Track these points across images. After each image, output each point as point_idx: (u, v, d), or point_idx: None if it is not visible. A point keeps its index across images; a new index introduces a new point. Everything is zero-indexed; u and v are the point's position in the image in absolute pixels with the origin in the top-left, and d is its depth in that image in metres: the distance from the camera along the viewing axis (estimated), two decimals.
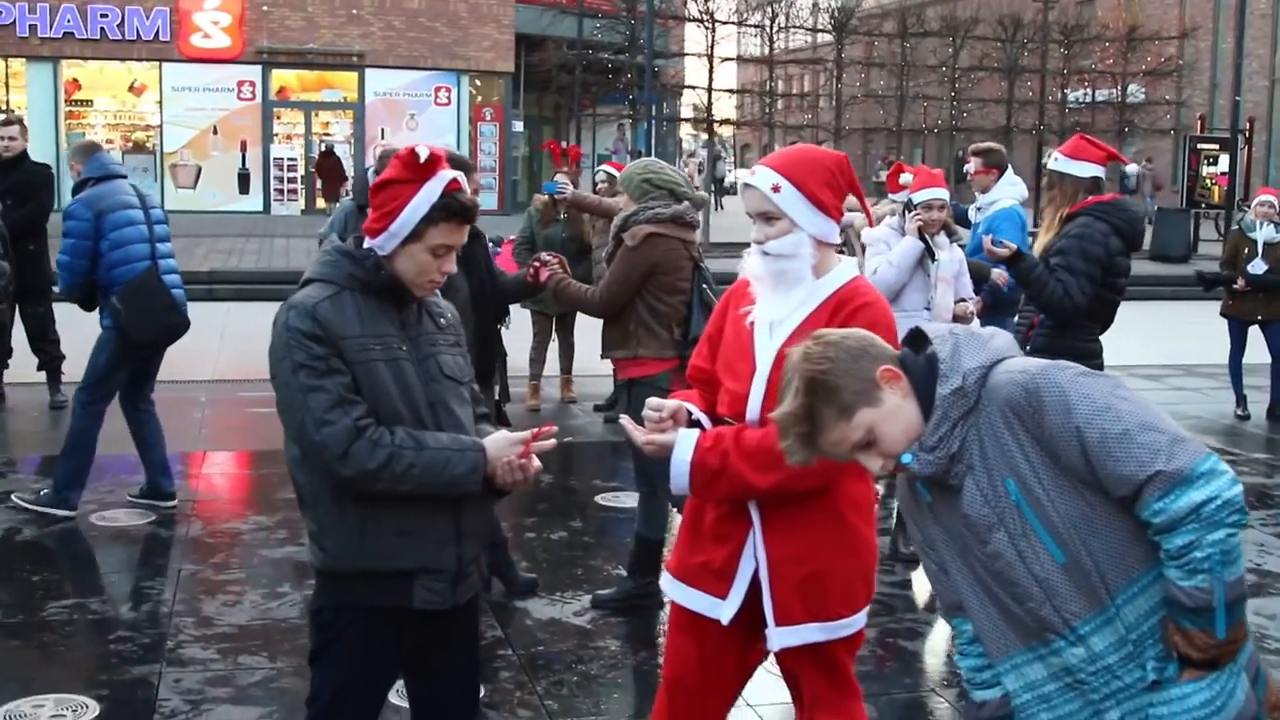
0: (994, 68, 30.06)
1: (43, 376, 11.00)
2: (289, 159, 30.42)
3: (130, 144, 30.24)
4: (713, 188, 32.84)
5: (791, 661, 3.71)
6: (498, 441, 3.37)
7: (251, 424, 10.47)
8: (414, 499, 3.30)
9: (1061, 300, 6.02)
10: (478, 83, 32.27)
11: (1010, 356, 2.80)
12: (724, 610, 3.64)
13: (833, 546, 3.61)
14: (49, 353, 10.94)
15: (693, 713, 3.78)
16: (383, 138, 31.47)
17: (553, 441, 3.42)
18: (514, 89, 32.79)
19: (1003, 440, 2.69)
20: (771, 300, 3.63)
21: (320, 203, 30.70)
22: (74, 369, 9.11)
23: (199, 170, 30.23)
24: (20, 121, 11.11)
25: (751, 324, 3.65)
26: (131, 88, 30.47)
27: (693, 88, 29.20)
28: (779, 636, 3.59)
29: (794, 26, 29.39)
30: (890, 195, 9.27)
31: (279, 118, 31.21)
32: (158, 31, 29.19)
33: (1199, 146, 27.00)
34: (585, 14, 28.19)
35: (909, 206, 7.23)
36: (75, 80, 29.97)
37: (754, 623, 3.67)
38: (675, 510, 4.59)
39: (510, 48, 31.61)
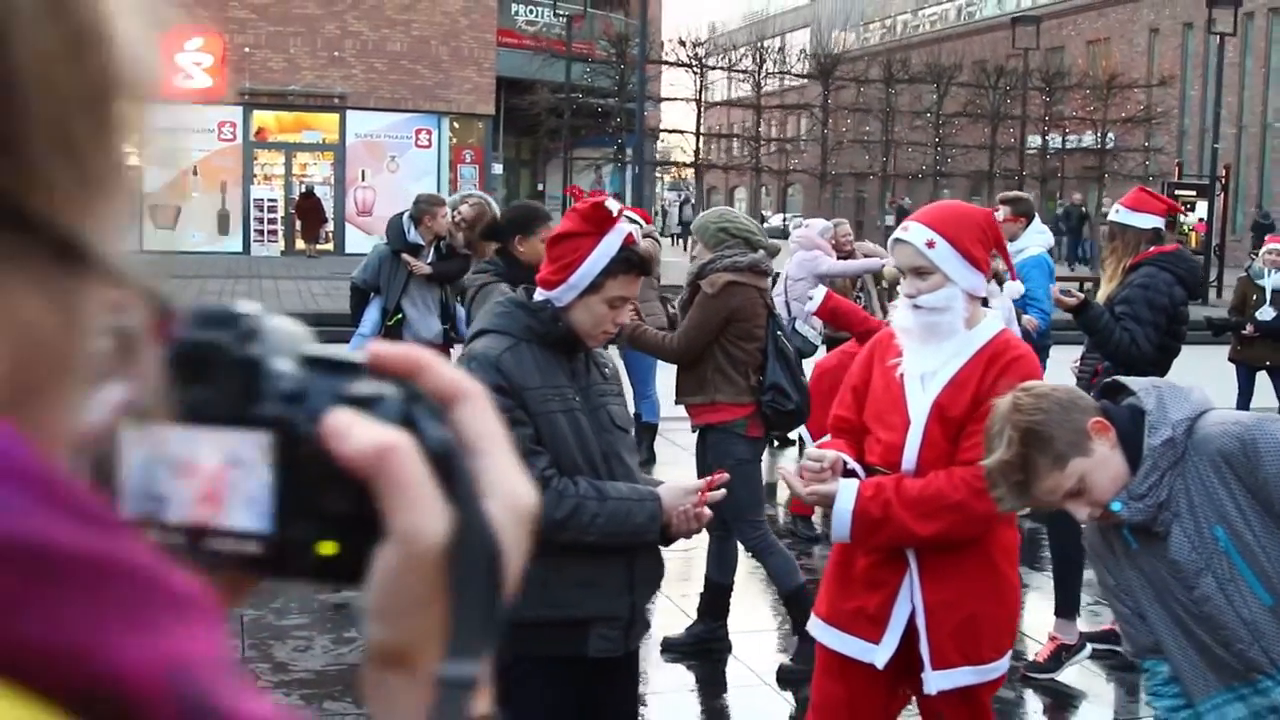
0: (977, 114, 30.50)
1: None
2: (269, 200, 30.37)
3: None
4: (677, 230, 33.07)
5: (940, 704, 3.77)
6: (673, 490, 3.43)
7: None
8: (593, 549, 3.35)
9: (1129, 348, 6.13)
10: (456, 125, 32.37)
11: (1212, 409, 2.90)
12: (878, 655, 3.71)
13: (985, 592, 3.70)
14: None
15: None
16: (363, 179, 31.52)
17: (723, 491, 3.48)
18: (494, 131, 32.90)
19: (1212, 489, 2.78)
20: (921, 353, 3.70)
21: (299, 244, 30.64)
22: None
23: (178, 210, 30.13)
24: None
25: (901, 376, 3.73)
26: None
27: (682, 132, 29.45)
28: (935, 680, 3.66)
29: (781, 72, 29.70)
30: None
31: (258, 159, 31.18)
32: None
33: (1176, 194, 27.38)
34: (575, 59, 28.39)
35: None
36: None
37: (901, 667, 3.74)
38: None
39: (491, 91, 31.74)
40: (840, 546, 3.82)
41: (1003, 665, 3.78)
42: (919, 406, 3.66)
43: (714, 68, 28.37)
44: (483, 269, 6.20)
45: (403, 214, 9.88)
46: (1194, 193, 27.60)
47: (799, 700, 6.03)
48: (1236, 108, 40.56)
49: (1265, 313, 11.51)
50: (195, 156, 29.93)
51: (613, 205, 3.40)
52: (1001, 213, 8.98)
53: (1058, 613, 6.24)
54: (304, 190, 30.53)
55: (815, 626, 3.87)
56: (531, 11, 33.26)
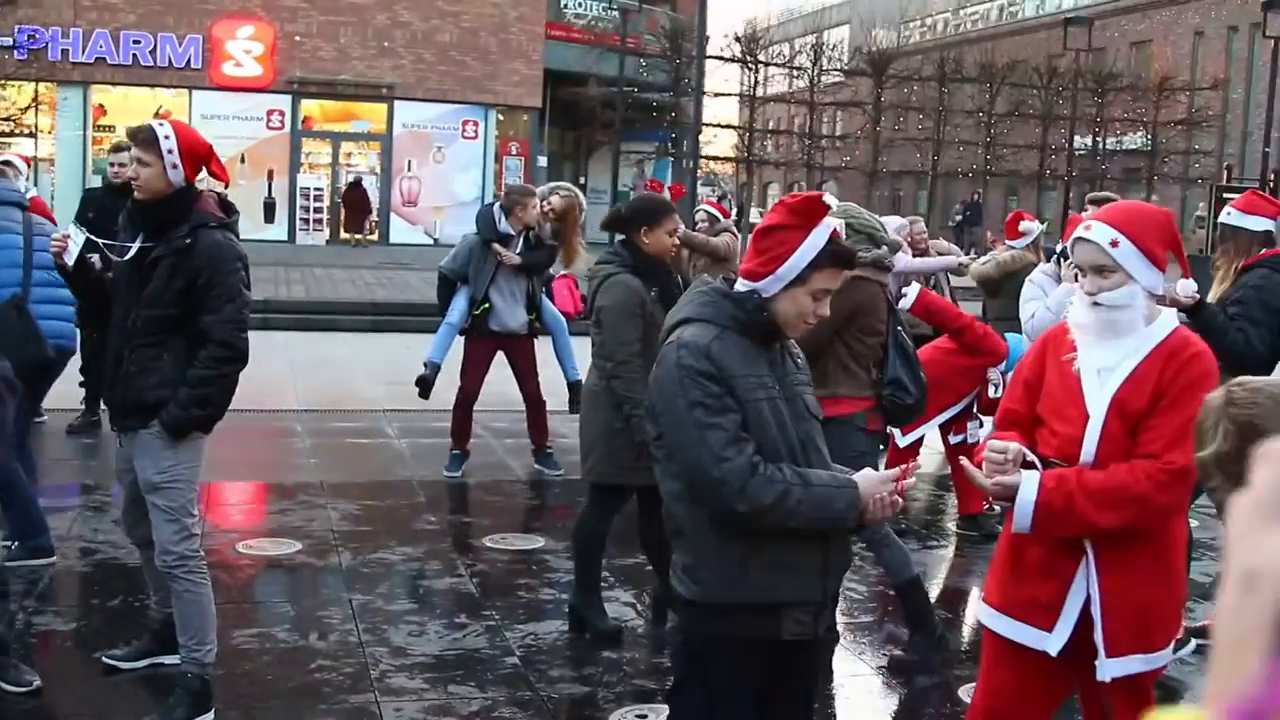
0: (1029, 114, 30.50)
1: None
2: (315, 189, 30.55)
3: None
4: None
5: (1108, 691, 3.85)
6: (869, 478, 3.52)
7: (353, 454, 10.58)
8: (791, 534, 3.45)
9: (1244, 349, 6.20)
10: (502, 118, 32.51)
11: None
12: (1051, 642, 3.79)
13: (1156, 582, 3.78)
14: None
15: None
16: (409, 170, 31.67)
17: (914, 480, 3.58)
18: (540, 124, 33.02)
19: None
20: (1098, 348, 3.78)
21: (344, 233, 30.81)
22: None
23: None
24: (128, 148, 11.16)
25: (1077, 371, 3.81)
26: (156, 114, 30.56)
27: (733, 127, 29.52)
28: (1109, 667, 3.74)
29: (834, 69, 29.75)
30: (1009, 242, 9.50)
31: (305, 147, 31.37)
32: (189, 59, 29.35)
33: (1224, 196, 27.37)
34: (629, 53, 28.47)
35: (1063, 255, 7.42)
36: (101, 106, 30.07)
37: (1068, 655, 3.82)
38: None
39: (539, 83, 31.87)
40: (1010, 537, 3.90)
41: (1169, 654, 3.87)
42: (1098, 401, 3.74)
43: (769, 63, 28.43)
44: (607, 259, 6.29)
45: (493, 204, 10.00)
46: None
47: (911, 690, 6.13)
48: (1268, 110, 40.46)
49: None
50: (243, 144, 30.13)
51: (831, 200, 3.49)
52: (1089, 212, 9.08)
53: None
54: (351, 180, 30.70)
55: (987, 615, 3.95)
56: (580, 5, 33.36)
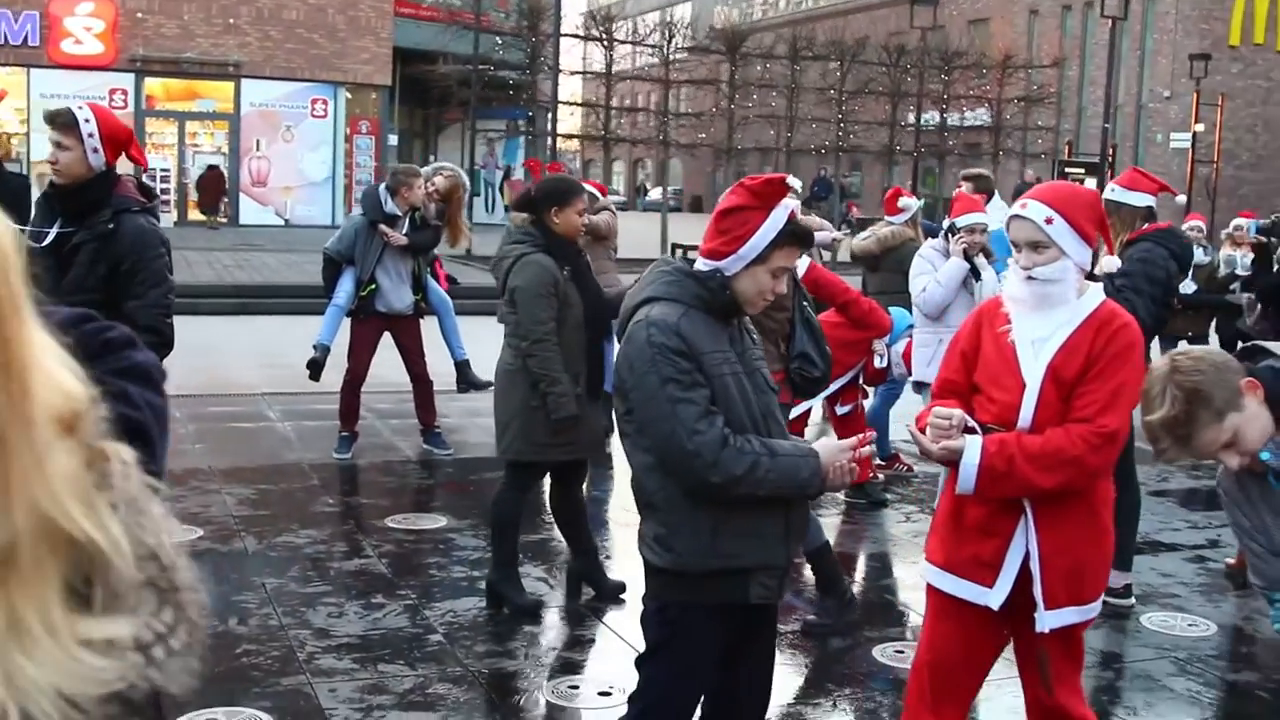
0: (878, 91, 31.15)
1: None
2: (161, 170, 29.85)
3: None
4: None
5: (1044, 641, 4.08)
6: (829, 447, 3.69)
7: (239, 438, 10.49)
8: (755, 502, 3.60)
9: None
10: (352, 96, 32.13)
11: None
12: (993, 597, 4.00)
13: (1088, 539, 4.02)
14: None
15: (952, 691, 4.14)
16: (258, 149, 31.15)
17: (873, 447, 3.76)
18: (390, 102, 32.72)
19: None
20: (1032, 320, 4.00)
21: (193, 214, 30.20)
22: None
23: None
24: None
25: (1012, 341, 4.02)
26: None
27: (592, 105, 29.61)
28: (1047, 619, 3.97)
29: (690, 48, 30.01)
30: (888, 218, 9.79)
31: (150, 128, 30.63)
32: (26, 36, 28.44)
33: (1067, 170, 28.37)
34: (485, 31, 28.36)
35: (952, 230, 7.71)
36: None
37: (1008, 609, 4.05)
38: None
39: (388, 61, 31.57)
40: (951, 500, 4.10)
41: (1098, 605, 4.13)
42: (1033, 369, 3.95)
43: (624, 41, 28.58)
44: (519, 239, 6.37)
45: (378, 185, 9.99)
46: (1083, 170, 28.60)
47: (826, 651, 6.34)
48: (1107, 88, 42.00)
49: (1187, 286, 12.11)
50: None
51: (794, 181, 3.64)
52: (964, 188, 9.40)
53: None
54: (211, 165, 30.16)
55: (931, 573, 4.14)
56: None
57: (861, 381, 8.88)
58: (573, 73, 30.56)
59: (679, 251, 25.31)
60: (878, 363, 8.64)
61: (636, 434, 3.64)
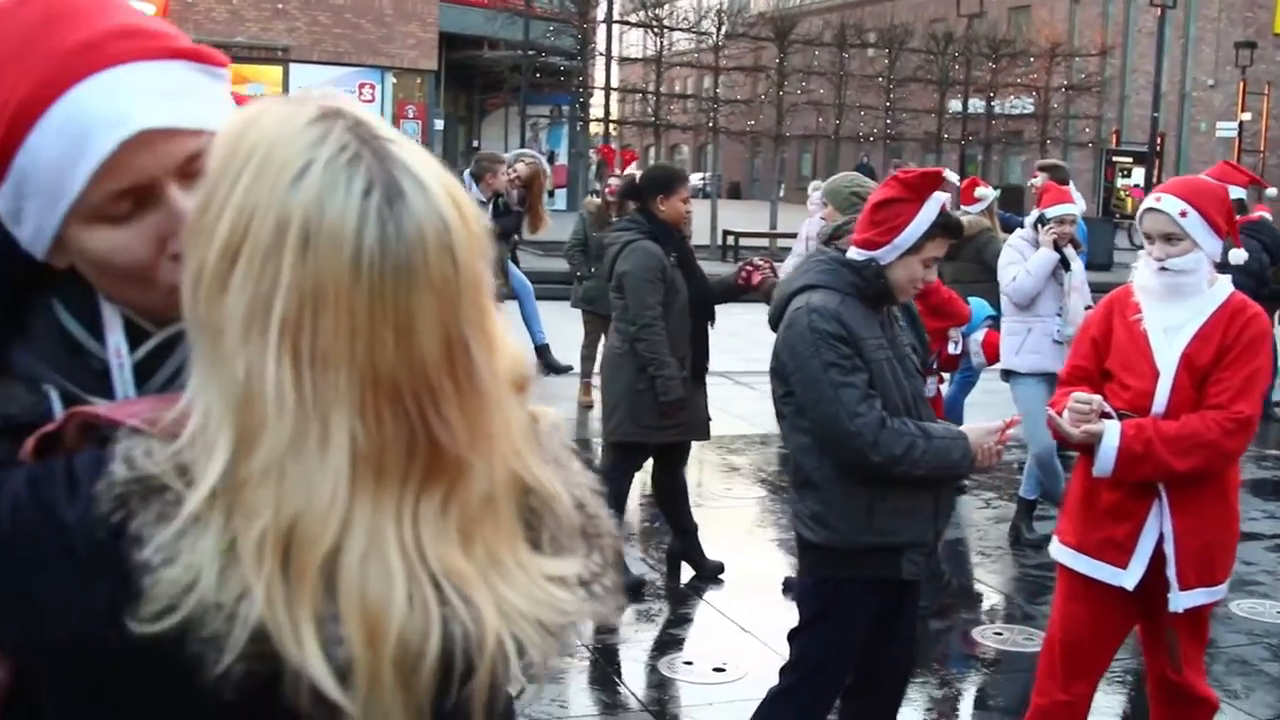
0: (927, 79, 31.15)
1: None
2: None
3: None
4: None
5: (1174, 621, 4.22)
6: (977, 430, 3.84)
7: None
8: (911, 481, 3.75)
9: None
10: (396, 81, 32.32)
11: None
12: (1127, 578, 4.14)
13: (1218, 522, 4.16)
14: None
15: (1082, 668, 4.29)
16: None
17: (1017, 430, 3.90)
18: (436, 87, 32.89)
19: None
20: (1163, 309, 4.13)
21: None
22: None
23: None
24: None
25: (1145, 330, 4.15)
26: None
27: (642, 92, 29.74)
28: (1181, 599, 4.11)
29: (739, 35, 30.08)
30: (964, 208, 9.89)
31: None
32: None
33: (1114, 160, 28.37)
34: (534, 17, 28.49)
35: (1042, 220, 7.82)
36: None
37: (1139, 590, 4.19)
38: None
39: (434, 46, 31.71)
40: (1082, 483, 4.25)
41: (1225, 587, 4.26)
42: (1167, 357, 4.09)
43: (674, 28, 28.67)
44: (626, 226, 6.52)
45: (462, 172, 10.15)
46: (1131, 159, 28.59)
47: (925, 633, 6.47)
48: (1153, 76, 41.85)
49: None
50: None
51: (950, 175, 3.79)
52: (1040, 179, 9.51)
53: None
54: None
55: (1064, 554, 4.28)
56: None
57: (935, 366, 8.99)
58: (623, 60, 30.65)
59: (727, 239, 25.38)
60: (951, 349, 8.75)
61: (795, 415, 3.80)
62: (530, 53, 28.17)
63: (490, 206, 9.81)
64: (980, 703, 5.78)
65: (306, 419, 1.18)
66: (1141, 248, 4.33)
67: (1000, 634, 6.37)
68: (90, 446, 1.28)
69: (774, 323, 4.01)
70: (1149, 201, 4.18)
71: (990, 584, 7.24)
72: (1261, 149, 37.71)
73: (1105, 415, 4.10)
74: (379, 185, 1.20)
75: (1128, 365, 4.18)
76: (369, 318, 1.18)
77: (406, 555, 1.20)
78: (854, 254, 3.88)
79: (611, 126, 32.93)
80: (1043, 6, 44.91)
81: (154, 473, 1.20)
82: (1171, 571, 4.10)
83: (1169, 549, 4.10)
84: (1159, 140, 29.43)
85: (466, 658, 1.21)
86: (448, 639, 1.20)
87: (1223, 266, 4.30)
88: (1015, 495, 8.24)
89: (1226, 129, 37.85)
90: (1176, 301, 4.12)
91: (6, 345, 1.43)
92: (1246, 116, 36.81)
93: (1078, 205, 8.98)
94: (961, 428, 3.87)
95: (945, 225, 3.82)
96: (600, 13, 28.09)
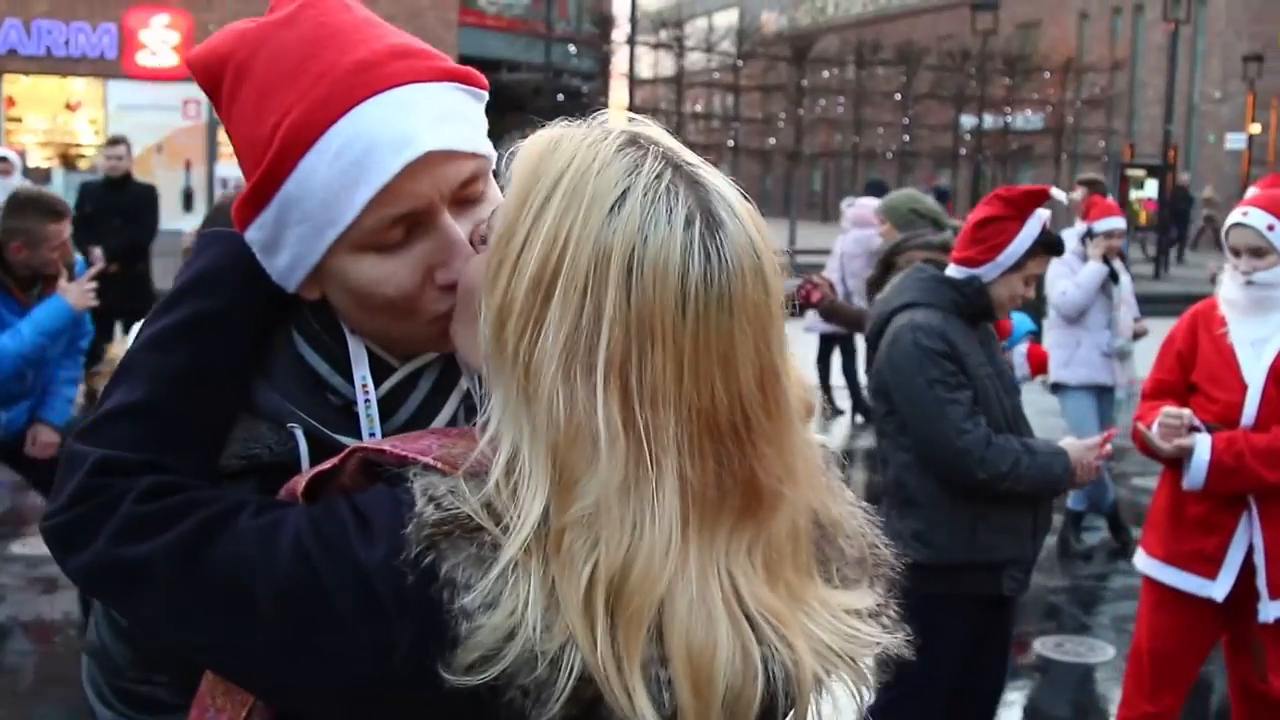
0: (942, 96, 31.32)
1: None
2: (236, 178, 30.24)
3: (64, 160, 29.89)
4: None
5: (1261, 632, 4.27)
6: (1076, 446, 3.91)
7: None
8: (1008, 498, 3.81)
9: None
10: None
11: None
12: (1216, 589, 4.20)
13: None
14: None
15: (1170, 679, 4.35)
16: None
17: (1113, 447, 3.97)
18: None
19: None
20: (1250, 322, 4.19)
21: None
22: None
23: None
24: (125, 140, 11.23)
25: (1231, 344, 4.21)
26: (67, 105, 30.09)
27: (661, 111, 29.89)
28: (1271, 609, 4.16)
29: (757, 54, 30.24)
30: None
31: (222, 137, 31.02)
32: (103, 50, 28.90)
33: (1128, 173, 28.44)
34: (555, 39, 28.66)
35: (1090, 234, 7.89)
36: (10, 98, 29.51)
37: (1226, 600, 4.24)
38: None
39: None
40: (1168, 495, 4.31)
41: None
42: (1255, 370, 4.15)
43: (695, 49, 28.84)
44: None
45: None
46: (1144, 171, 28.66)
47: None
48: (1163, 90, 41.92)
49: None
50: (160, 134, 29.76)
51: (1058, 193, 3.87)
52: (1079, 193, 9.58)
53: None
54: None
55: (1151, 565, 4.34)
56: None
57: None
58: (642, 81, 30.81)
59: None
60: None
61: (897, 433, 3.86)
62: (552, 74, 28.29)
63: None
64: (1036, 712, 5.84)
65: (639, 460, 1.13)
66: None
67: (1061, 644, 6.42)
68: (366, 485, 1.24)
69: (872, 341, 4.08)
70: (1235, 216, 4.24)
71: (1043, 596, 7.29)
72: (1270, 159, 37.76)
73: (1194, 429, 4.17)
74: (699, 215, 1.16)
75: (1215, 378, 4.24)
76: (695, 352, 1.14)
77: (725, 596, 1.17)
78: (954, 271, 3.95)
79: None
80: (1053, 24, 44.94)
81: (467, 513, 1.15)
82: (1262, 582, 4.16)
83: (1259, 560, 4.15)
84: (1172, 153, 29.47)
85: (787, 697, 1.19)
86: (770, 681, 1.18)
87: None
88: (1064, 507, 8.29)
89: (1236, 141, 37.91)
90: (1263, 315, 4.18)
91: (250, 381, 1.39)
92: (1256, 129, 36.87)
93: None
94: (1061, 443, 3.93)
95: (1047, 243, 3.89)
96: (620, 34, 28.25)
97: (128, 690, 1.41)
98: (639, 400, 1.14)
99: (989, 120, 33.47)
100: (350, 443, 1.34)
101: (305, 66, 1.31)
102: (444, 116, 1.33)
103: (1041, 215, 3.88)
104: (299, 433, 1.35)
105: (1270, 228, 4.13)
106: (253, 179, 1.34)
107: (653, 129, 1.27)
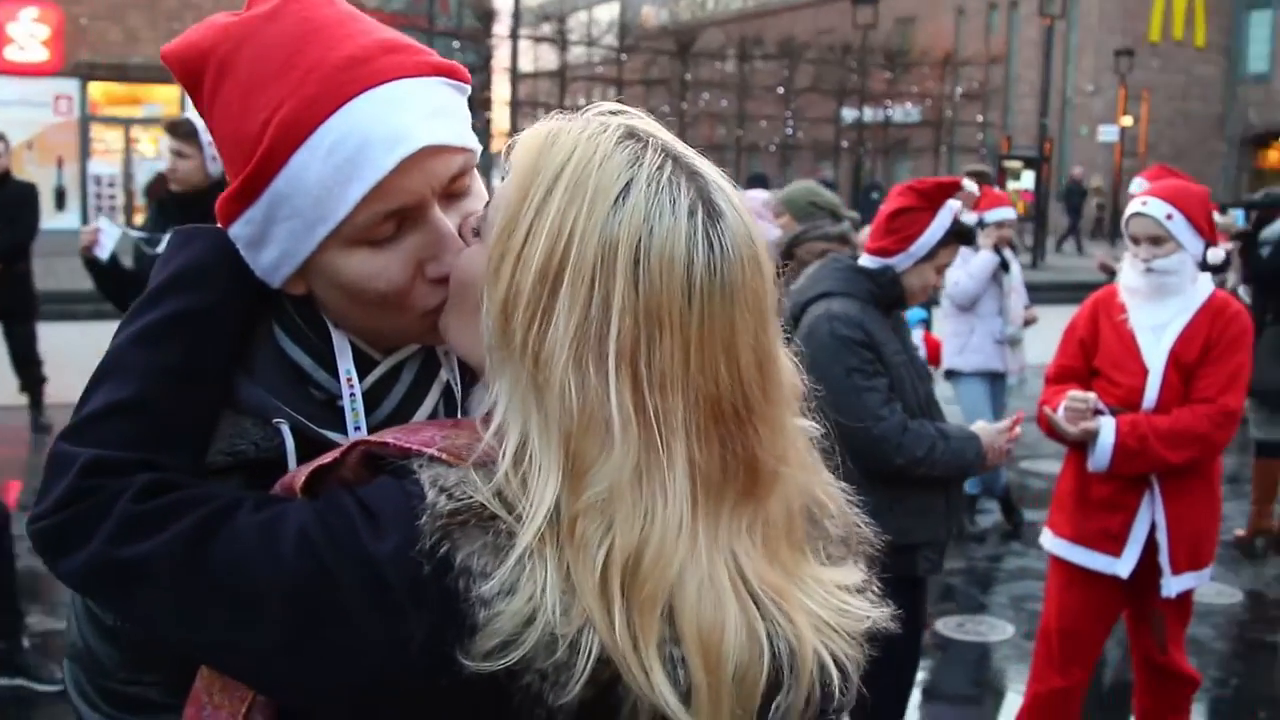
0: (825, 89, 31.71)
1: (21, 399, 10.79)
2: (108, 175, 29.62)
3: None
4: None
5: (1163, 604, 4.41)
6: (987, 430, 4.00)
7: None
8: (922, 480, 3.90)
9: None
10: None
11: None
12: (1121, 566, 4.34)
13: (1205, 509, 4.39)
14: (33, 375, 10.76)
15: (1078, 653, 4.48)
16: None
17: (1021, 430, 4.08)
18: None
19: None
20: (1150, 308, 4.33)
21: (139, 219, 29.92)
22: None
23: None
24: (4, 138, 10.96)
25: (1132, 329, 4.35)
26: None
27: (547, 106, 29.83)
28: (1174, 584, 4.31)
29: (640, 48, 30.32)
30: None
31: (95, 133, 30.36)
32: None
33: (1005, 165, 29.04)
34: (440, 34, 28.43)
35: (981, 224, 8.06)
36: None
37: (1129, 577, 4.38)
38: None
39: None
40: (1073, 477, 4.44)
41: (1210, 571, 4.48)
42: (1155, 354, 4.29)
43: (578, 43, 28.84)
44: None
45: None
46: (1022, 163, 29.29)
47: None
48: (1037, 83, 42.82)
49: None
50: (31, 131, 29.02)
51: (969, 184, 3.95)
52: (969, 183, 9.78)
53: None
54: (158, 172, 29.80)
55: (1059, 546, 4.46)
56: None
57: None
58: (525, 75, 30.75)
59: None
60: None
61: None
62: None
63: None
64: (939, 691, 5.97)
65: (651, 444, 1.16)
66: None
67: (962, 625, 6.58)
68: (368, 478, 1.24)
69: (788, 328, 4.13)
70: (1135, 206, 4.37)
71: (940, 578, 7.43)
72: (1141, 151, 38.80)
73: (1098, 412, 4.30)
74: (700, 205, 1.20)
75: (1117, 363, 4.38)
76: (701, 339, 1.18)
77: (730, 575, 1.20)
78: (868, 261, 4.03)
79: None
80: (930, 19, 45.68)
81: (480, 502, 1.17)
82: (1164, 558, 4.30)
83: (1161, 537, 4.30)
84: (1047, 145, 30.16)
85: (791, 671, 1.23)
86: (775, 656, 1.21)
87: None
88: None
89: (1108, 134, 38.88)
90: (1162, 300, 4.32)
91: (233, 377, 1.38)
92: (1128, 121, 37.85)
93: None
94: (973, 427, 4.02)
95: (958, 233, 3.98)
96: (504, 29, 28.20)
97: (115, 691, 1.39)
98: (649, 386, 1.16)
99: (869, 113, 33.93)
100: (336, 437, 1.36)
101: (293, 62, 1.31)
102: (435, 112, 1.33)
103: (953, 206, 3.97)
104: (285, 428, 1.35)
105: (1169, 217, 4.27)
106: (241, 175, 1.33)
107: (646, 121, 1.29)
